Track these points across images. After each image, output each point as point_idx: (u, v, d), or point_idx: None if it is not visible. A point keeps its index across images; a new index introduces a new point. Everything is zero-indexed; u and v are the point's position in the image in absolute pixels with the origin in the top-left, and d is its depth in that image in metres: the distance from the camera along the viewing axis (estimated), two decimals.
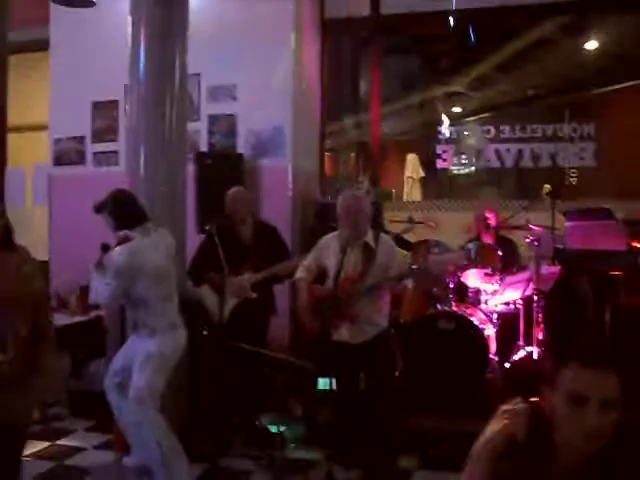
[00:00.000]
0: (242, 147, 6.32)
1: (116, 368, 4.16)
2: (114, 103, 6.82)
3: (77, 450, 4.82)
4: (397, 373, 5.07)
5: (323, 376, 4.32)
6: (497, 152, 7.36)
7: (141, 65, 4.74)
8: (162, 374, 3.91)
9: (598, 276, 5.04)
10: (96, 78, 6.73)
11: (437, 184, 8.88)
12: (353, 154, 11.13)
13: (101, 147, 6.94)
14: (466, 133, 7.76)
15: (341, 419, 4.45)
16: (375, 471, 4.33)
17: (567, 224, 5.10)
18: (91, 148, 7.00)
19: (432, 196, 8.65)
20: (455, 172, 7.84)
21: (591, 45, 7.80)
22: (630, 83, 8.06)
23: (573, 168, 7.08)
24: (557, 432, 1.71)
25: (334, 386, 4.30)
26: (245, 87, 6.31)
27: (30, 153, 8.43)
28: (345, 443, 4.42)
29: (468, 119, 9.53)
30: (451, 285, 5.26)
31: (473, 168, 7.66)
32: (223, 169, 5.82)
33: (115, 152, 6.84)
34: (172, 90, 4.76)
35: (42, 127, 7.56)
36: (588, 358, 1.70)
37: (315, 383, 4.40)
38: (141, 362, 3.88)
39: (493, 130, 7.52)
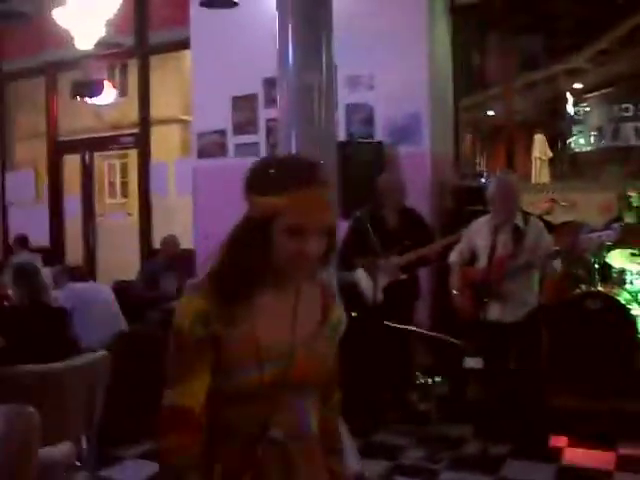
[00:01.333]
0: (379, 135, 6.50)
1: None
2: (253, 97, 7.13)
3: None
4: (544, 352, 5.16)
5: (472, 355, 4.50)
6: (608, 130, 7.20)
7: (290, 57, 4.94)
8: None
9: None
10: (235, 74, 7.05)
11: (564, 164, 8.79)
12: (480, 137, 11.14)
13: (242, 139, 7.27)
14: (590, 110, 7.60)
15: (490, 396, 4.60)
16: (527, 447, 4.46)
17: None
18: (232, 140, 7.35)
19: (560, 177, 8.59)
20: (582, 151, 7.74)
21: None
22: None
23: None
24: None
25: (480, 364, 4.47)
26: (381, 76, 6.45)
27: (167, 145, 8.93)
28: (494, 419, 4.56)
29: (590, 95, 9.39)
30: (596, 266, 5.29)
31: (600, 145, 7.53)
32: (364, 157, 6.02)
33: (256, 143, 7.17)
34: (319, 81, 4.96)
35: (177, 121, 8.03)
36: None
37: (462, 361, 4.60)
38: None
39: (625, 107, 7.30)
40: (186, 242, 7.65)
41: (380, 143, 6.20)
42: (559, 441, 4.59)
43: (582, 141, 7.67)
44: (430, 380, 5.05)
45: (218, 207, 7.02)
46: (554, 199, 5.73)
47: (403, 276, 5.01)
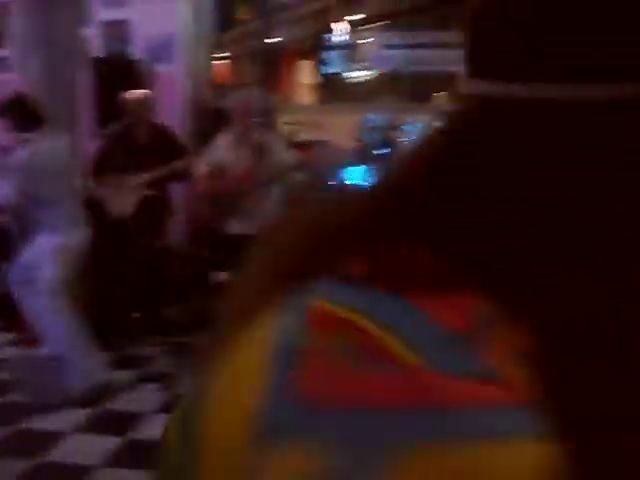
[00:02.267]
0: (136, 53, 6.44)
1: (23, 264, 4.41)
2: (4, 7, 6.72)
3: None
4: None
5: (219, 268, 4.73)
6: (387, 58, 7.61)
7: None
8: (67, 267, 4.20)
9: None
10: None
11: (331, 89, 9.21)
12: (249, 62, 11.32)
13: None
14: (364, 40, 7.97)
15: None
16: None
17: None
18: None
19: (326, 100, 8.99)
20: (350, 77, 8.14)
21: None
22: None
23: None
24: None
25: (230, 277, 4.71)
26: None
27: None
28: None
29: (363, 27, 9.84)
30: (334, 183, 5.71)
31: (369, 74, 7.95)
32: (119, 75, 5.96)
33: (6, 58, 6.79)
34: None
35: None
36: None
37: (212, 275, 4.83)
38: (48, 256, 4.15)
39: (387, 37, 7.73)
40: None
41: (135, 61, 6.16)
42: None
43: (352, 68, 8.04)
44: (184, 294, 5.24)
45: None
46: (300, 120, 6.04)
47: (151, 192, 5.10)
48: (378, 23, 9.70)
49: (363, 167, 5.73)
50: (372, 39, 7.72)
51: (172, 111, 6.00)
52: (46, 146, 4.10)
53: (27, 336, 4.76)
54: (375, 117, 6.08)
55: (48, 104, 4.54)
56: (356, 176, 5.77)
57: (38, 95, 4.55)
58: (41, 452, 3.55)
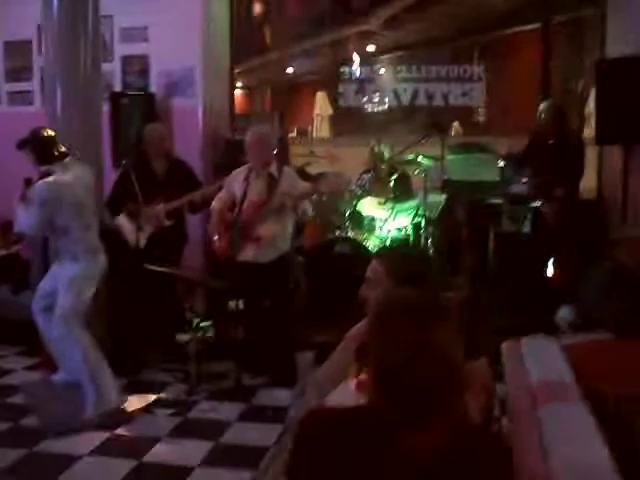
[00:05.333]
0: (155, 87, 6.63)
1: (42, 292, 4.55)
2: (27, 43, 6.96)
3: (6, 372, 5.18)
4: (299, 292, 5.62)
5: (232, 297, 4.85)
6: (396, 92, 7.72)
7: (55, 6, 4.93)
8: (86, 295, 4.33)
9: (477, 204, 5.63)
10: (7, 18, 6.86)
11: (347, 122, 9.33)
12: (267, 93, 11.47)
13: (15, 87, 7.09)
14: (381, 72, 8.06)
15: (249, 334, 4.98)
16: (279, 377, 4.89)
17: (450, 157, 5.67)
18: (5, 88, 7.14)
19: (341, 133, 9.11)
20: (365, 110, 8.24)
21: None
22: (522, 28, 8.64)
23: (480, 107, 7.63)
24: None
25: (241, 306, 4.83)
26: (156, 29, 6.56)
27: None
28: (252, 355, 4.95)
29: (379, 58, 9.97)
30: (347, 213, 5.81)
31: (385, 106, 8.05)
32: (136, 108, 6.16)
33: (29, 92, 7.02)
34: (86, 31, 5.01)
35: None
36: None
37: (226, 303, 4.94)
38: (66, 285, 4.29)
39: (400, 69, 7.81)
40: None
41: (152, 95, 6.34)
42: None
43: (366, 100, 8.14)
44: (199, 322, 5.34)
45: None
46: (313, 152, 6.18)
47: (168, 222, 5.24)
48: (395, 54, 9.84)
49: (378, 199, 5.83)
50: (388, 71, 7.83)
51: (190, 143, 6.17)
52: (67, 178, 4.25)
53: (47, 362, 4.89)
54: (389, 149, 6.18)
55: (70, 137, 4.71)
56: (369, 207, 5.88)
57: (60, 128, 4.72)
58: (55, 475, 3.63)
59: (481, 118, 7.87)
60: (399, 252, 2.71)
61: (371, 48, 10.26)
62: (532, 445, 1.61)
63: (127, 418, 4.32)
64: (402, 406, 1.41)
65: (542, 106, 5.84)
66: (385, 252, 2.56)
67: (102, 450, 3.94)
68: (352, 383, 2.03)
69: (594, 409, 1.84)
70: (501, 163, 5.59)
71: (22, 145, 4.28)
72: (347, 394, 1.93)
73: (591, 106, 7.60)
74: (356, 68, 7.95)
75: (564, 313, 3.53)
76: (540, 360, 2.23)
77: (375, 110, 8.25)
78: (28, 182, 4.31)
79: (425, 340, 1.42)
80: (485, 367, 2.23)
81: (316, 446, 1.46)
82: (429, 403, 1.41)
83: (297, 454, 1.51)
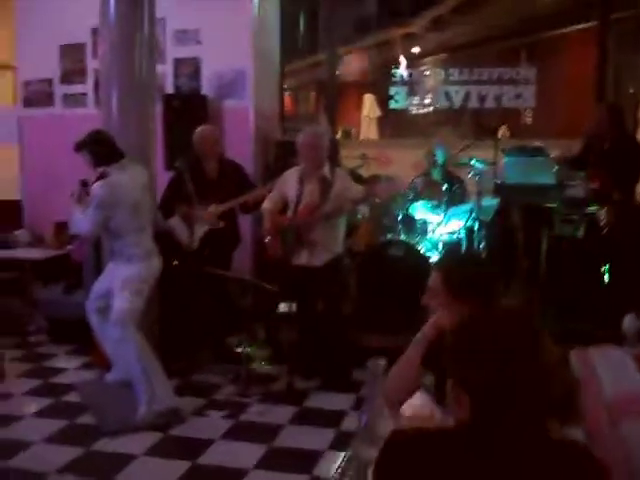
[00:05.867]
0: (206, 89, 6.67)
1: (97, 293, 4.60)
2: (81, 46, 7.06)
3: (59, 371, 5.25)
4: (351, 296, 5.60)
5: (284, 299, 4.83)
6: (447, 94, 7.65)
7: (111, 8, 4.97)
8: (140, 296, 4.35)
9: (532, 207, 5.53)
10: (62, 21, 6.95)
11: (394, 123, 9.29)
12: (313, 93, 11.50)
13: (70, 89, 7.19)
14: (426, 73, 8.01)
15: (301, 337, 4.96)
16: (331, 381, 4.87)
17: (505, 160, 5.58)
18: (60, 90, 7.25)
19: (388, 135, 9.07)
20: (413, 112, 8.19)
21: None
22: (574, 27, 8.51)
23: (529, 109, 7.53)
24: None
25: (294, 308, 4.82)
26: (208, 31, 6.60)
27: None
28: (304, 358, 4.94)
29: (425, 60, 9.91)
30: (399, 216, 5.77)
31: (431, 108, 7.99)
32: (188, 110, 6.19)
33: (84, 94, 7.11)
34: (141, 33, 5.04)
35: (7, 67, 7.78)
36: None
37: (277, 305, 4.93)
38: (121, 286, 4.32)
39: (450, 71, 7.73)
40: (11, 193, 7.49)
41: (205, 97, 6.37)
42: (361, 375, 5.02)
43: (415, 102, 8.10)
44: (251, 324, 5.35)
45: (46, 157, 6.99)
46: (364, 155, 6.15)
47: (221, 224, 5.25)
48: (441, 56, 9.78)
49: (428, 202, 5.78)
50: (436, 73, 7.76)
51: (242, 145, 6.19)
52: (123, 179, 4.28)
53: (101, 361, 4.94)
54: (439, 152, 6.13)
55: (125, 138, 4.74)
56: (422, 211, 5.83)
57: (115, 129, 4.76)
58: (111, 474, 3.66)
59: (529, 120, 7.77)
60: (455, 261, 2.69)
61: (417, 50, 10.23)
62: (617, 466, 1.55)
63: (180, 419, 4.33)
64: (500, 420, 1.36)
65: (597, 108, 5.73)
66: (443, 261, 2.53)
67: (156, 450, 3.97)
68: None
69: None
70: (556, 166, 5.49)
71: (80, 147, 4.32)
72: (423, 405, 1.89)
73: None
74: (405, 70, 7.88)
75: (630, 322, 3.45)
76: (614, 371, 2.17)
77: (423, 112, 8.20)
78: (84, 184, 4.35)
79: (515, 349, 1.37)
80: None
81: (403, 472, 1.42)
82: (525, 415, 1.36)
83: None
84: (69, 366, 5.35)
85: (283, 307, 5.05)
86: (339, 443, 4.01)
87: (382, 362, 1.80)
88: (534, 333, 1.42)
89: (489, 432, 1.36)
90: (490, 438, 1.36)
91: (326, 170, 4.87)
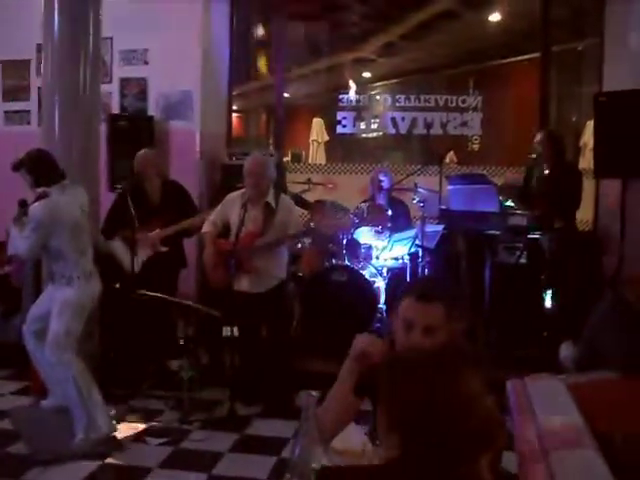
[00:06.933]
0: (153, 110, 6.62)
1: (34, 316, 4.48)
2: (25, 62, 6.95)
3: None
4: (295, 321, 5.57)
5: (227, 324, 4.78)
6: (394, 120, 7.70)
7: (55, 26, 4.90)
8: (79, 320, 4.25)
9: (475, 235, 5.59)
10: (6, 36, 6.83)
11: (342, 148, 9.34)
12: (263, 116, 11.51)
13: (12, 106, 7.06)
14: (376, 98, 8.06)
15: (244, 362, 4.90)
16: (273, 407, 4.82)
17: (449, 187, 5.64)
18: (2, 107, 7.11)
19: (336, 159, 9.10)
20: (361, 136, 8.23)
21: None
22: (518, 58, 8.70)
23: (476, 136, 7.64)
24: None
25: (236, 333, 4.77)
26: (156, 51, 6.57)
27: None
28: (247, 383, 4.88)
29: (375, 85, 10.00)
30: (344, 241, 5.77)
31: (380, 134, 8.04)
32: (134, 130, 6.13)
33: (27, 111, 6.99)
34: (86, 52, 4.97)
35: None
36: (418, 294, 2.14)
37: (220, 330, 4.86)
38: (59, 309, 4.21)
39: (398, 98, 7.79)
40: None
41: (151, 117, 6.32)
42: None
43: (363, 128, 8.13)
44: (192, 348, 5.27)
45: None
46: (310, 180, 6.16)
47: (164, 248, 5.18)
48: (390, 81, 9.89)
49: (373, 227, 5.80)
50: (384, 99, 7.83)
51: (188, 167, 6.14)
52: (63, 200, 4.19)
53: (37, 387, 4.80)
54: (385, 177, 6.17)
55: (66, 158, 4.66)
56: (366, 237, 5.84)
57: (57, 149, 4.68)
58: None
59: (476, 147, 7.89)
60: (448, 291, 2.35)
61: (367, 75, 10.33)
62: None
63: (118, 446, 4.23)
64: (427, 456, 1.34)
65: (538, 136, 5.84)
66: (436, 294, 2.23)
67: None
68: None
69: (602, 450, 1.80)
70: (499, 194, 5.57)
71: (18, 167, 4.23)
72: (354, 438, 1.87)
73: (586, 137, 7.64)
74: (353, 95, 7.93)
75: (566, 350, 3.49)
76: (548, 401, 2.19)
77: (370, 138, 8.25)
78: (23, 204, 4.25)
79: (446, 385, 1.37)
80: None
81: None
82: (455, 453, 1.34)
83: None
84: (4, 392, 5.19)
85: (226, 331, 4.99)
86: (279, 471, 3.96)
87: (315, 394, 1.77)
88: (455, 368, 1.41)
89: (417, 469, 1.35)
90: (419, 476, 1.35)
91: (270, 197, 4.86)
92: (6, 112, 7.09)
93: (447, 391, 1.35)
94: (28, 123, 6.98)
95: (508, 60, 9.19)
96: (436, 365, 1.41)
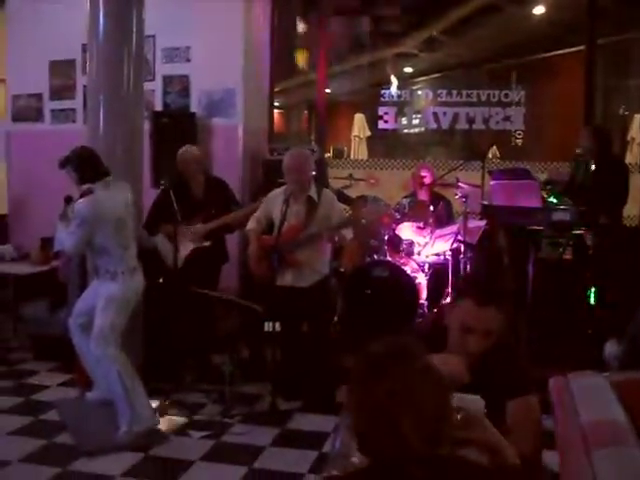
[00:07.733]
0: (195, 107, 6.68)
1: (80, 310, 4.56)
2: (71, 62, 7.07)
3: (41, 388, 5.19)
4: (337, 316, 5.57)
5: (269, 319, 4.80)
6: (436, 115, 7.65)
7: (100, 26, 4.97)
8: (123, 314, 4.32)
9: (518, 230, 5.53)
10: (53, 37, 6.96)
11: (384, 143, 9.32)
12: (305, 112, 11.54)
13: (59, 105, 7.19)
14: (417, 94, 8.02)
15: (285, 357, 4.93)
16: (314, 402, 4.83)
17: (492, 182, 5.59)
18: (49, 105, 7.25)
19: (378, 155, 9.08)
20: (403, 132, 8.20)
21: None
22: (563, 51, 8.56)
23: (519, 130, 7.54)
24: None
25: (278, 328, 4.79)
26: (198, 49, 6.62)
27: None
28: (288, 378, 4.90)
29: (417, 80, 9.96)
30: (386, 237, 5.76)
31: (422, 129, 8.01)
32: (177, 127, 6.19)
33: (73, 110, 7.12)
34: (129, 50, 5.03)
35: None
36: (477, 298, 2.16)
37: (262, 325, 4.89)
38: (104, 303, 4.28)
39: (440, 92, 7.73)
40: None
41: (193, 114, 6.37)
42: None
43: (404, 123, 8.10)
44: (234, 343, 5.32)
45: (33, 172, 6.97)
46: (351, 175, 6.15)
47: (206, 243, 5.23)
48: (432, 76, 9.84)
49: (414, 223, 5.77)
50: (426, 94, 7.78)
51: (230, 163, 6.19)
52: (107, 196, 4.26)
53: (82, 379, 4.89)
54: (427, 173, 6.14)
55: (111, 155, 4.73)
56: (408, 232, 5.82)
57: (101, 146, 4.75)
58: None
59: (519, 142, 7.79)
60: (502, 291, 2.34)
61: (409, 70, 10.29)
62: None
63: (161, 439, 4.29)
64: (387, 462, 1.40)
65: (584, 131, 5.75)
66: (494, 297, 2.19)
67: (135, 471, 3.91)
68: None
69: None
70: (543, 189, 5.50)
71: (63, 164, 4.30)
72: None
73: (634, 131, 7.50)
74: (395, 90, 7.89)
75: (611, 348, 3.43)
76: (591, 399, 2.15)
77: (412, 133, 8.21)
78: (68, 200, 4.34)
79: (392, 389, 1.44)
80: (536, 408, 2.15)
81: None
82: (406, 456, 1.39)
83: None
84: (51, 384, 5.29)
85: (268, 326, 5.02)
86: (320, 466, 3.97)
87: None
88: (404, 369, 1.48)
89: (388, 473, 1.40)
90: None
91: (312, 191, 4.87)
92: (52, 110, 7.22)
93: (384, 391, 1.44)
94: (74, 121, 7.10)
95: (552, 53, 9.07)
96: (372, 370, 1.50)
